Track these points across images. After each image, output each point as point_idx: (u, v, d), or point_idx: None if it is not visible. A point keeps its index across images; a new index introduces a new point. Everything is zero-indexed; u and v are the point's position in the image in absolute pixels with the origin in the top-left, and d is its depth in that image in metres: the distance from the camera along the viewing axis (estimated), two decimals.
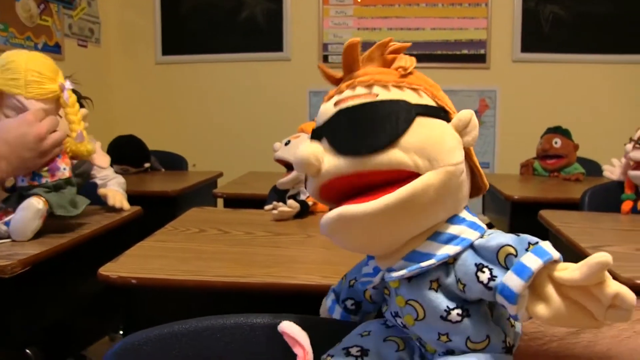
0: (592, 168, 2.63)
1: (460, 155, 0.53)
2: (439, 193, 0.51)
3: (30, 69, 1.18)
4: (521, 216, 1.95)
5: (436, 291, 0.52)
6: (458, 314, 0.51)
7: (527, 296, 0.48)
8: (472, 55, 3.47)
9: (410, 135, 0.51)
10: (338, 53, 3.53)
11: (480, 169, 0.60)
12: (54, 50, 3.21)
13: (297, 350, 0.57)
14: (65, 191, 1.23)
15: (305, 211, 1.46)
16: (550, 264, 0.48)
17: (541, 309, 0.47)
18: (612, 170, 1.80)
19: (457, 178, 0.53)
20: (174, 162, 2.81)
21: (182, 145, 3.23)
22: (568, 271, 0.47)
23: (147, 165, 2.57)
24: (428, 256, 0.52)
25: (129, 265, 1.00)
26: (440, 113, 0.55)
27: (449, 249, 0.52)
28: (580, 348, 0.58)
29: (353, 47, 0.57)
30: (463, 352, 0.52)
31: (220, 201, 2.07)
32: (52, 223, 1.23)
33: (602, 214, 1.65)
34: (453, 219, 0.54)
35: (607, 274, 0.46)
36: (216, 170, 2.64)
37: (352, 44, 0.57)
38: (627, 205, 1.66)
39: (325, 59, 3.55)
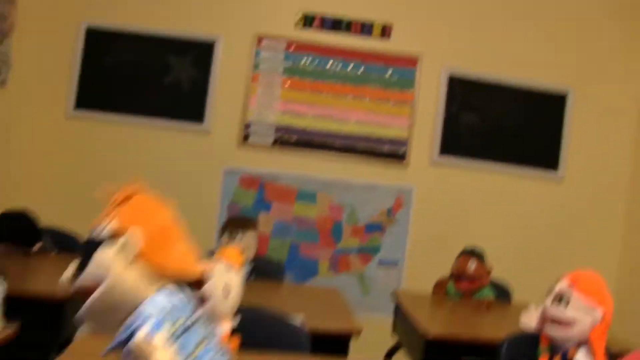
0: (502, 292, 2.66)
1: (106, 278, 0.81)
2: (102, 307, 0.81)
3: None
4: (435, 354, 1.89)
5: None
6: None
7: None
8: (393, 153, 3.49)
9: None
10: (260, 134, 3.44)
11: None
12: None
13: None
14: None
15: None
16: None
17: None
18: (529, 320, 1.77)
19: (108, 296, 0.81)
20: (69, 242, 2.55)
21: (83, 217, 2.97)
22: None
23: (37, 245, 2.32)
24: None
25: None
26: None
27: None
28: None
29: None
30: None
31: None
32: None
33: None
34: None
35: None
36: None
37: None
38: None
39: (245, 138, 3.45)
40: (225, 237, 2.32)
